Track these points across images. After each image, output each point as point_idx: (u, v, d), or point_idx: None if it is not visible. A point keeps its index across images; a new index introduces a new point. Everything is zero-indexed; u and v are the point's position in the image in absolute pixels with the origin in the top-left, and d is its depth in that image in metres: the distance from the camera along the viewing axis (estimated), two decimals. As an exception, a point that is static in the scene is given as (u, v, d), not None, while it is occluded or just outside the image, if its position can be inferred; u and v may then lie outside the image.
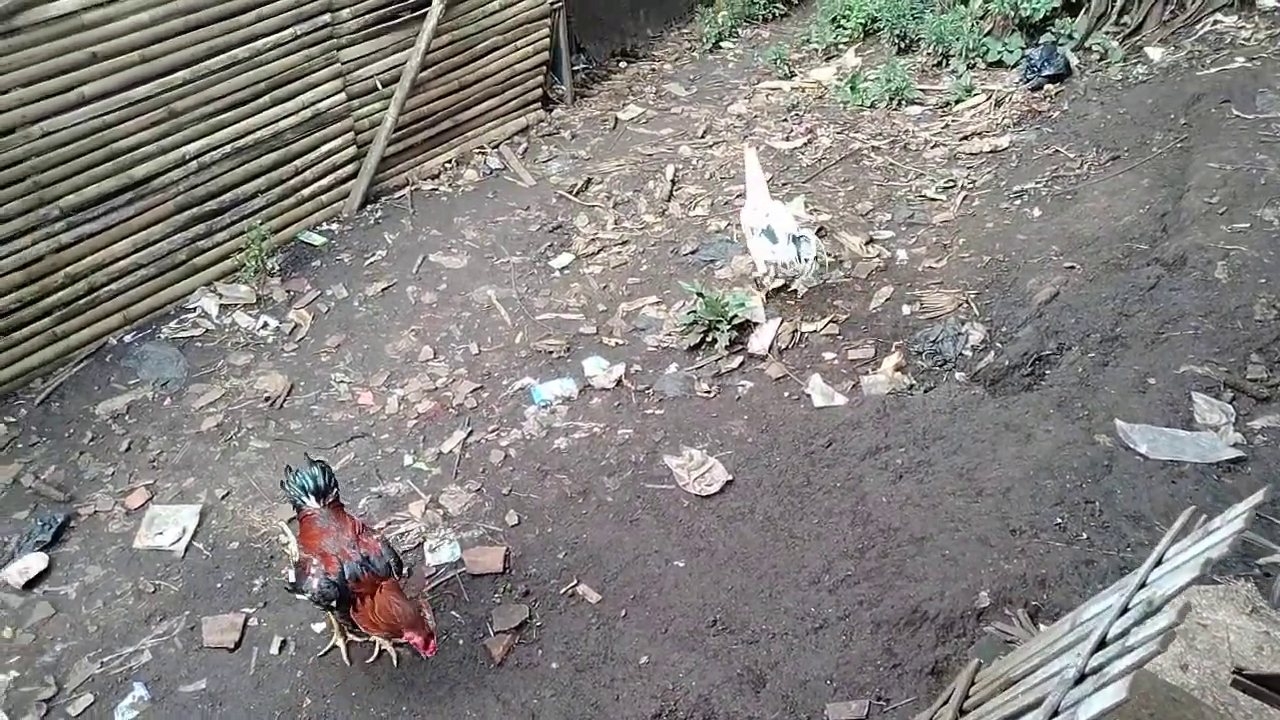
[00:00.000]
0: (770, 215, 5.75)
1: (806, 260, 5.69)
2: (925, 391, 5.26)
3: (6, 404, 5.83)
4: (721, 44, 9.75)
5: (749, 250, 6.02)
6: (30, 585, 4.74)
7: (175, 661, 4.37)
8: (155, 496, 5.18)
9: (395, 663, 4.22)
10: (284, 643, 4.40)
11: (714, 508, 4.82)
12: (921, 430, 4.89)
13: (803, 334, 5.81)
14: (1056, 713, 2.06)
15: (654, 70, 9.40)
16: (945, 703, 3.08)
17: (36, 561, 4.83)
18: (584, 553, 4.70)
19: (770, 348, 5.72)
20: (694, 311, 5.87)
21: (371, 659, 4.22)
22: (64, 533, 5.01)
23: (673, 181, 7.45)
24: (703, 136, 8.04)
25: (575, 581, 4.56)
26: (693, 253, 6.64)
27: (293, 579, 4.01)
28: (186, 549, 4.88)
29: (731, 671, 4.04)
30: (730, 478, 4.94)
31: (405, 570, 4.16)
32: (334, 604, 3.97)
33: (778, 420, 5.26)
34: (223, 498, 5.15)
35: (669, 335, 5.96)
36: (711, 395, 5.50)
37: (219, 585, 4.70)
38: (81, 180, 5.86)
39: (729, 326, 5.71)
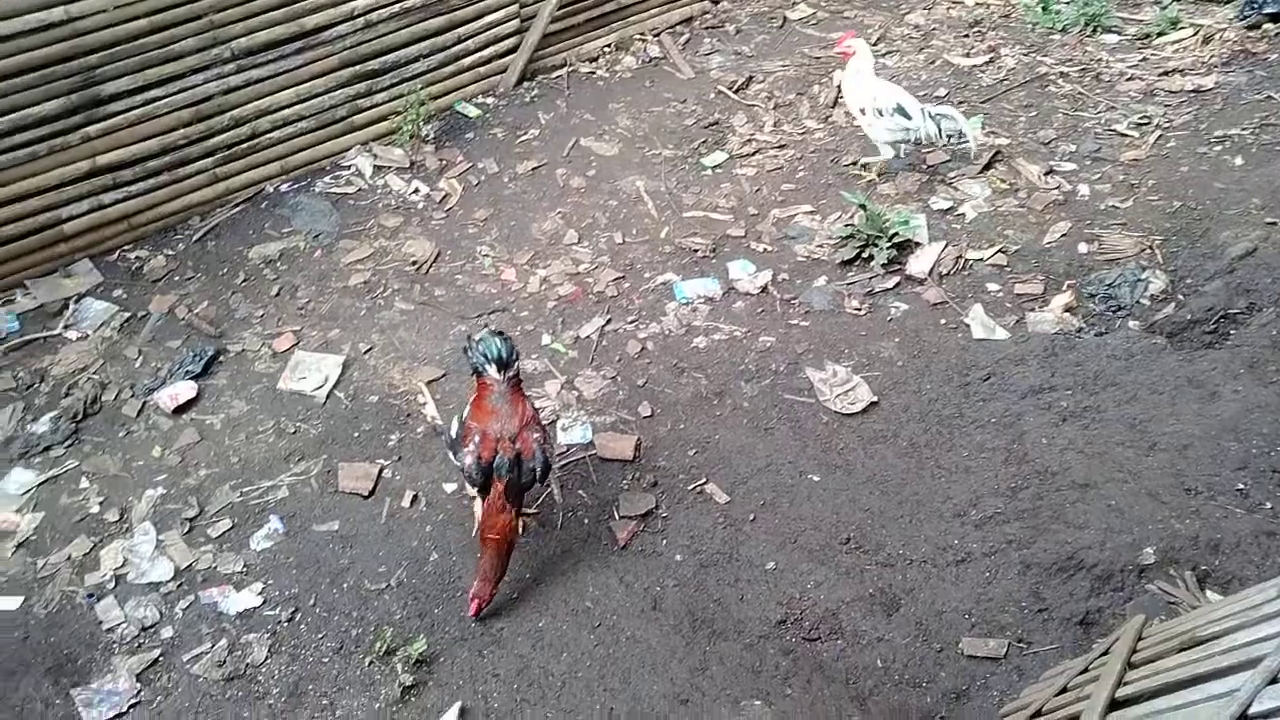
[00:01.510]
0: (896, 94, 5.76)
1: (950, 136, 5.73)
2: (1097, 335, 4.94)
3: (166, 238, 6.00)
4: (904, -48, 9.16)
5: (872, 134, 5.93)
6: (179, 411, 4.91)
7: (310, 501, 4.48)
8: (301, 343, 5.27)
9: (521, 531, 4.24)
10: (415, 497, 4.46)
11: (855, 427, 4.66)
12: (1092, 374, 4.59)
13: (967, 261, 5.51)
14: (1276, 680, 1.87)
15: (830, -29, 8.91)
16: (1104, 654, 2.90)
17: (186, 389, 4.99)
18: (715, 453, 4.62)
19: (930, 271, 5.44)
20: (852, 224, 5.62)
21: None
22: (213, 366, 5.15)
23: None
24: (876, 44, 7.61)
25: (704, 480, 4.48)
26: (853, 163, 6.34)
27: (453, 436, 4.01)
28: (328, 396, 4.97)
29: (863, 590, 3.93)
30: (875, 399, 4.76)
31: (542, 481, 4.04)
32: (476, 486, 3.96)
33: (931, 347, 5.02)
34: (365, 352, 5.21)
35: (821, 247, 5.73)
36: (862, 313, 5.28)
37: (356, 435, 4.78)
38: (256, 24, 5.88)
39: (888, 244, 5.45)
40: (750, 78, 7.31)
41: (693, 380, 4.99)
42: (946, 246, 5.58)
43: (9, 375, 5.14)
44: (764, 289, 5.49)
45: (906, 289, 5.39)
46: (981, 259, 5.52)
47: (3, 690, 3.78)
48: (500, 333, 4.09)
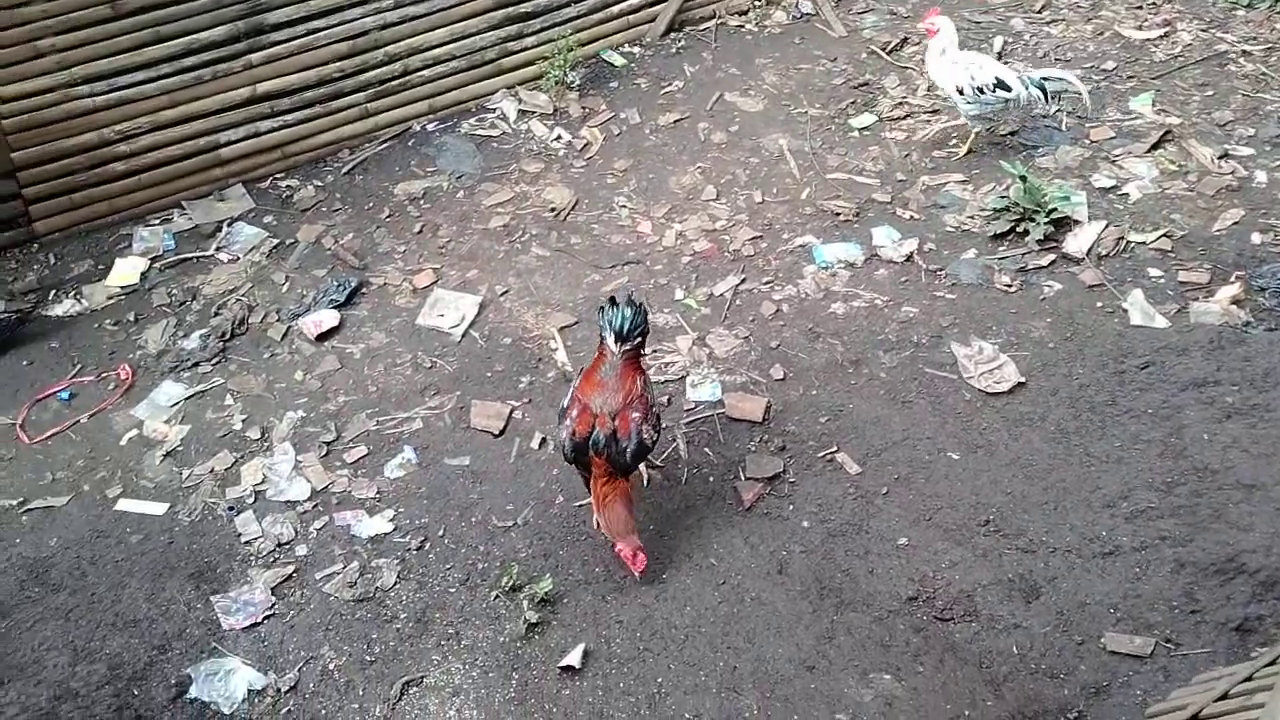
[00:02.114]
0: (992, 67, 5.62)
1: (1058, 96, 5.75)
2: (1267, 330, 4.62)
3: (316, 169, 6.15)
4: (1075, -85, 8.68)
5: (964, 111, 5.76)
6: (322, 338, 5.04)
7: (443, 435, 4.55)
8: (440, 280, 5.34)
9: (645, 483, 4.23)
10: (544, 440, 4.48)
11: (999, 407, 4.48)
12: (1262, 371, 4.31)
13: (1129, 243, 5.21)
14: None
15: (992, -67, 8.50)
16: (1271, 664, 2.72)
17: (329, 318, 5.12)
18: (848, 422, 4.50)
19: (1089, 251, 5.17)
20: (1007, 196, 5.37)
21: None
22: (355, 296, 5.27)
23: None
24: (1040, 11, 7.24)
25: (835, 448, 4.38)
26: (1012, 134, 6.05)
27: (564, 405, 3.89)
28: (464, 335, 5.03)
29: (1001, 575, 3.79)
30: (1023, 379, 4.56)
31: (635, 465, 3.86)
32: (570, 462, 3.84)
33: (1085, 330, 4.78)
34: (501, 294, 5.25)
35: (972, 218, 5.50)
36: (1012, 289, 5.05)
37: (489, 374, 4.83)
38: (416, -41, 5.94)
39: (1046, 220, 5.19)
40: (905, 39, 7.04)
41: (828, 346, 4.88)
42: (1107, 226, 5.29)
43: (164, 291, 5.36)
44: (909, 258, 5.31)
45: (1061, 268, 5.14)
46: (1144, 242, 5.21)
47: (151, 590, 3.97)
48: (636, 303, 3.87)
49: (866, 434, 4.45)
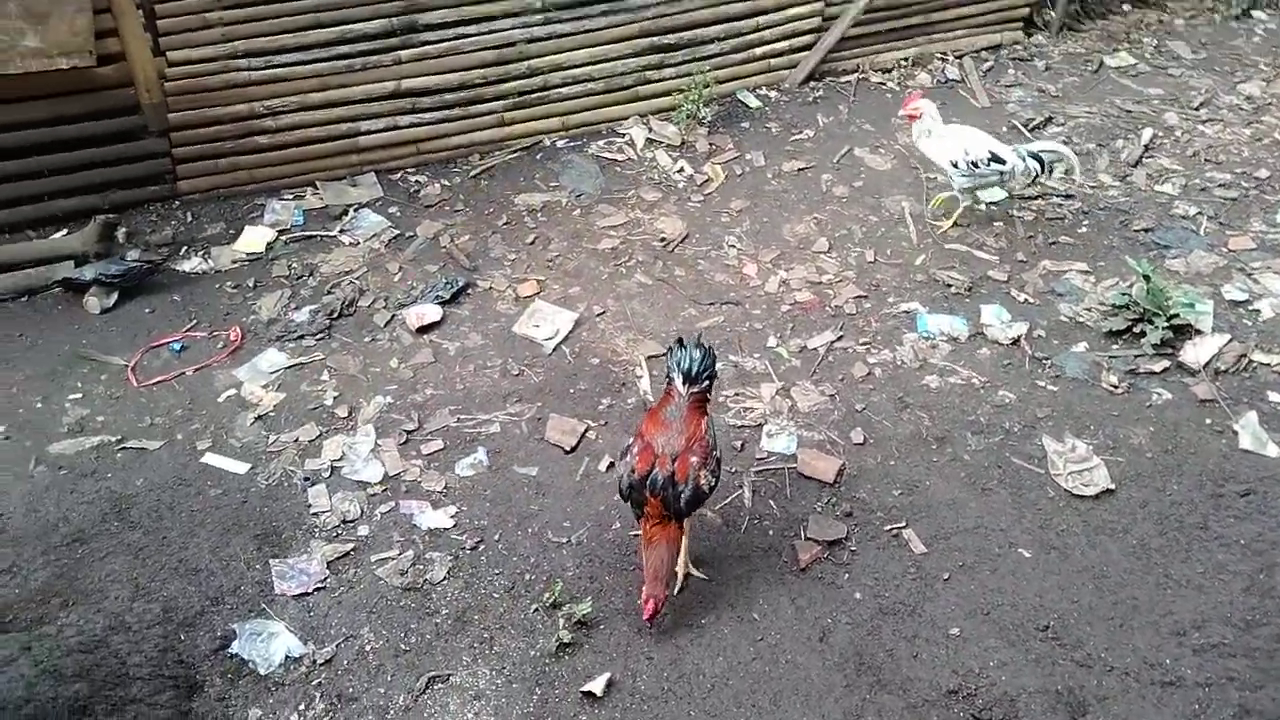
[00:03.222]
0: (986, 141, 5.64)
1: (1057, 165, 5.81)
2: (1392, 478, 4.31)
3: (446, 169, 6.36)
4: (1253, 11, 8.35)
5: (957, 184, 5.75)
6: (422, 330, 5.20)
7: (517, 442, 4.63)
8: (542, 292, 5.45)
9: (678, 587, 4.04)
10: (612, 464, 4.51)
11: (1083, 510, 4.29)
12: (1374, 521, 4.02)
13: (1252, 362, 4.94)
14: None
15: (1161, 22, 8.24)
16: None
17: (432, 312, 5.27)
18: (921, 499, 4.39)
19: (1207, 364, 4.92)
20: (1128, 294, 5.16)
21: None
22: (460, 296, 5.42)
23: (1146, 147, 6.55)
24: (1197, 108, 6.97)
25: (904, 524, 4.27)
26: (1146, 230, 5.83)
27: (628, 445, 3.85)
28: (555, 349, 5.12)
29: (1051, 684, 3.62)
30: (1112, 486, 4.36)
31: (689, 512, 3.75)
32: (626, 500, 3.79)
33: (1188, 445, 4.55)
34: (598, 314, 5.32)
35: (1089, 310, 5.31)
36: (1118, 391, 4.85)
37: (571, 391, 4.89)
38: (570, -20, 6.11)
39: (1165, 324, 4.97)
40: (1050, 118, 6.88)
41: (915, 418, 4.77)
42: (1231, 341, 5.03)
43: (284, 263, 5.62)
44: (1015, 341, 5.15)
45: (1174, 377, 4.91)
46: (1269, 364, 4.94)
47: (217, 543, 4.15)
48: (705, 346, 3.83)
49: (939, 515, 4.32)
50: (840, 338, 5.22)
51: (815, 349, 5.15)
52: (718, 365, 3.98)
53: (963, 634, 3.82)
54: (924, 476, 4.49)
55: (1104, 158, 6.50)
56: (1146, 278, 5.03)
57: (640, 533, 3.79)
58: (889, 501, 4.38)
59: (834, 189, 6.25)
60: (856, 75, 7.27)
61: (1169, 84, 7.34)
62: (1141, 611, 3.85)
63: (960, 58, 7.51)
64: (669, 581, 3.75)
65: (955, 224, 5.91)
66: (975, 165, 5.59)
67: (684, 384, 3.75)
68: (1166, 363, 4.95)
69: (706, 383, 3.80)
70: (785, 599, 3.97)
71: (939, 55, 7.49)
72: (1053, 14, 7.85)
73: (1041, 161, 5.68)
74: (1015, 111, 6.95)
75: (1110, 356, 5.03)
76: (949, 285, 5.52)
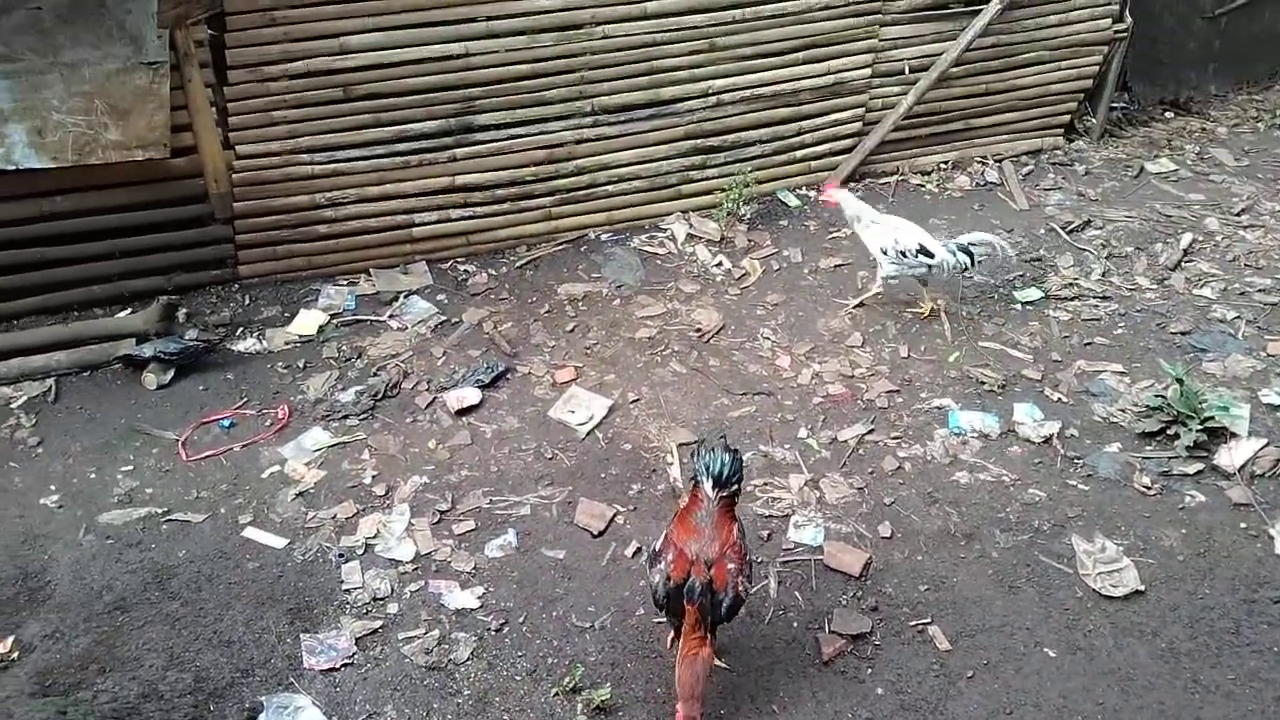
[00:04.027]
0: (917, 234, 5.85)
1: (983, 260, 5.98)
2: None
3: (493, 259, 6.62)
4: (1297, 121, 8.40)
5: (884, 270, 5.95)
6: (461, 413, 5.36)
7: (547, 525, 4.72)
8: (579, 379, 5.60)
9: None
10: (639, 550, 4.57)
11: (1110, 612, 4.24)
12: None
13: (1290, 467, 4.89)
14: None
15: (1203, 130, 8.34)
16: None
17: (472, 395, 5.44)
18: (948, 595, 4.37)
19: (1242, 468, 4.87)
20: (1163, 396, 5.15)
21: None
22: (500, 380, 5.59)
23: (1185, 251, 6.58)
24: (1238, 215, 7.01)
25: (929, 620, 4.25)
26: (1184, 334, 5.83)
27: (655, 549, 3.85)
28: (588, 433, 5.23)
29: (1072, 791, 3.55)
30: (1142, 588, 4.31)
31: (729, 619, 3.71)
32: (662, 609, 3.77)
33: (1221, 549, 4.49)
34: (632, 402, 5.44)
35: (1123, 411, 5.30)
36: (1151, 493, 4.81)
37: (602, 476, 4.99)
38: (620, 86, 6.42)
39: (1199, 426, 4.94)
40: (1088, 221, 6.96)
41: (943, 514, 4.77)
42: (1267, 445, 4.97)
43: (334, 346, 5.85)
44: (1047, 440, 5.15)
45: (1209, 479, 4.86)
46: (1310, 470, 4.87)
47: (251, 615, 4.27)
48: (733, 449, 3.80)
49: (965, 612, 4.30)
50: (871, 431, 5.26)
51: (846, 441, 5.20)
52: (745, 457, 4.00)
53: (985, 734, 3.77)
54: (951, 573, 4.47)
55: (1142, 261, 6.55)
56: (1180, 380, 5.03)
57: (677, 644, 3.69)
58: (915, 597, 4.36)
59: (869, 285, 6.36)
60: (896, 177, 7.45)
61: (1210, 190, 7.40)
62: (1169, 717, 3.77)
63: (1000, 161, 7.66)
64: (702, 699, 3.63)
65: (861, 304, 6.14)
66: (904, 255, 5.80)
67: (714, 488, 3.71)
68: (1200, 465, 4.91)
69: (736, 486, 3.77)
70: (806, 692, 3.96)
71: (979, 159, 7.65)
72: (1094, 120, 8.00)
73: (970, 254, 5.86)
74: (1054, 214, 7.05)
75: (1144, 457, 5.01)
76: (982, 382, 5.55)
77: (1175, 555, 4.47)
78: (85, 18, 5.10)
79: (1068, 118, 7.88)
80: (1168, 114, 8.53)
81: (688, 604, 3.60)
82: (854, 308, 6.11)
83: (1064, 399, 5.43)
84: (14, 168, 5.31)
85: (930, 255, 5.79)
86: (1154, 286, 6.32)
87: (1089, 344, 5.84)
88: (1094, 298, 6.23)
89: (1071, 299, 6.22)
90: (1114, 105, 8.18)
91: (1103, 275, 6.41)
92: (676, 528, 3.79)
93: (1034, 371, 5.63)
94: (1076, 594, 4.33)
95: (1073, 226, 6.89)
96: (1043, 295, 6.24)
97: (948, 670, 4.04)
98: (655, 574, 3.71)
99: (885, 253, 5.87)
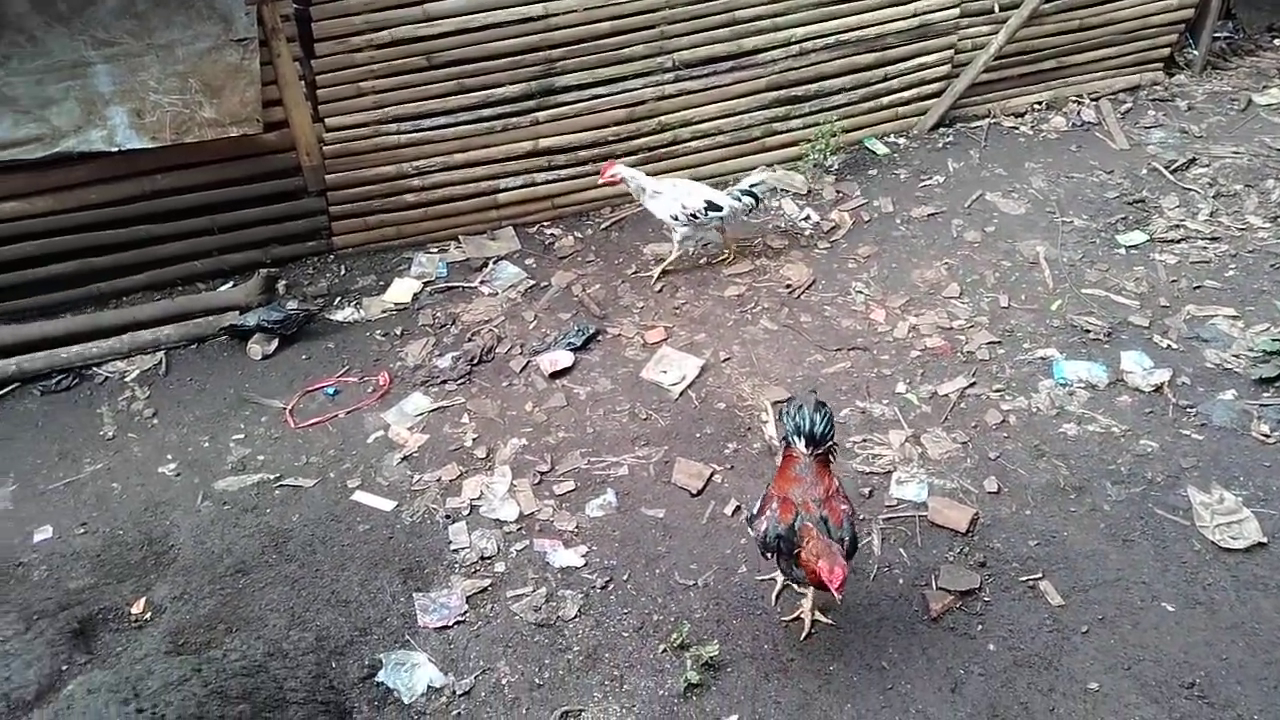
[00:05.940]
0: (701, 191, 5.86)
1: (765, 195, 6.13)
2: None
3: (579, 221, 6.62)
4: None
5: (679, 234, 5.93)
6: (555, 376, 5.40)
7: (645, 485, 4.75)
8: (669, 339, 5.59)
9: (804, 636, 4.01)
10: (738, 508, 4.57)
11: (1231, 565, 4.11)
12: None
13: None
14: None
15: (1316, 57, 7.89)
16: None
17: (565, 358, 5.47)
18: (1059, 550, 4.28)
19: (1371, 412, 4.66)
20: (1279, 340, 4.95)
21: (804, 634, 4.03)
22: (591, 343, 5.61)
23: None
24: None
25: (1040, 575, 4.18)
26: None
27: (754, 511, 3.88)
28: (681, 393, 5.23)
29: (1198, 746, 3.47)
30: (1264, 540, 4.17)
31: (850, 556, 3.63)
32: (775, 552, 3.73)
33: (1351, 499, 4.31)
34: (724, 360, 5.41)
35: (1237, 357, 5.09)
36: (1270, 441, 4.63)
37: (698, 435, 4.99)
38: (700, 39, 6.32)
39: (1323, 371, 4.74)
40: (1193, 159, 6.66)
41: (1052, 467, 4.66)
42: (1399, 388, 4.75)
43: (429, 313, 5.93)
44: (1158, 389, 4.99)
45: (1334, 426, 4.66)
46: None
47: (365, 576, 4.39)
48: (822, 404, 3.76)
49: (1077, 566, 4.21)
50: (973, 384, 5.15)
51: (947, 395, 5.10)
52: (842, 414, 3.97)
53: (1102, 689, 3.70)
54: (1062, 527, 4.38)
55: (1253, 199, 6.26)
56: (1300, 322, 4.82)
57: (804, 571, 3.61)
58: (1024, 552, 4.29)
59: (965, 234, 6.21)
60: (988, 120, 7.22)
61: (1326, 119, 7.02)
62: (1299, 672, 3.66)
63: (1097, 99, 7.37)
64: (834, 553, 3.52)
65: (665, 271, 6.05)
66: (694, 216, 5.79)
67: (807, 446, 3.70)
68: (1325, 411, 4.71)
69: (830, 441, 3.76)
70: (916, 648, 3.93)
71: (1074, 98, 7.37)
72: (1195, 52, 7.62)
73: (755, 195, 5.95)
74: (1156, 153, 6.77)
75: (1261, 405, 4.81)
76: (1087, 331, 5.39)
77: (1299, 505, 4.31)
78: (178, -2, 5.20)
79: (1167, 50, 7.53)
80: (1277, 41, 8.08)
81: (807, 534, 3.53)
82: (657, 279, 6.02)
83: (1174, 345, 5.24)
84: (117, 149, 5.47)
85: (719, 208, 5.82)
86: (1266, 225, 6.04)
87: (1198, 287, 5.62)
88: (1202, 239, 5.98)
89: (1178, 241, 5.98)
90: (1217, 35, 7.78)
91: (1211, 215, 6.14)
92: (776, 481, 3.82)
93: (1141, 318, 5.44)
94: (1194, 547, 4.21)
95: (1176, 165, 6.61)
96: (1147, 238, 6.01)
97: (1061, 625, 3.97)
98: (764, 522, 3.71)
99: (676, 219, 5.83)
